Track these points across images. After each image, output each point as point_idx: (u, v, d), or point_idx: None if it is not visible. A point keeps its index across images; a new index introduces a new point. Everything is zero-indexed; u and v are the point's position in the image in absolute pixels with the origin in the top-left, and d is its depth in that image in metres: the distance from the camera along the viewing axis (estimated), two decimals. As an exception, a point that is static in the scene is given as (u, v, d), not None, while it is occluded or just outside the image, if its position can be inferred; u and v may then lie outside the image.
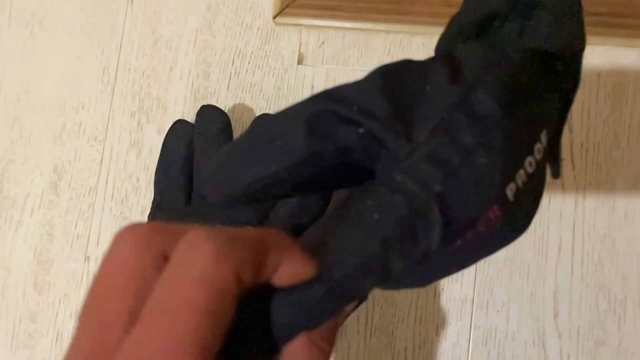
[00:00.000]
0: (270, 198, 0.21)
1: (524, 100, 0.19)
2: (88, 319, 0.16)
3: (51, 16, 0.45)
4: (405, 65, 0.20)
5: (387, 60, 0.41)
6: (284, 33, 0.42)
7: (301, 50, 0.42)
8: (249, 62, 0.43)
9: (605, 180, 0.38)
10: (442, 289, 0.38)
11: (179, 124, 0.40)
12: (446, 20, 0.25)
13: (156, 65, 0.43)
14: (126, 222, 0.41)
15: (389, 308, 0.39)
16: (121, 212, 0.42)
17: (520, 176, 0.19)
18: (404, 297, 0.39)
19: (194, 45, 0.43)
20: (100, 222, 0.42)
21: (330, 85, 0.42)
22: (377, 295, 0.39)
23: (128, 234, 0.16)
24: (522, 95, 0.19)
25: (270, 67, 0.42)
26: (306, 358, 0.18)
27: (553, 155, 0.22)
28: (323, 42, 0.42)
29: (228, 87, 0.42)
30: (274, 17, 0.42)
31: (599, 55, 0.40)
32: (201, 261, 0.15)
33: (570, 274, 0.37)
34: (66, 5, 0.45)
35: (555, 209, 0.38)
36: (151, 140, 0.42)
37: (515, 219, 0.19)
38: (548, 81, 0.20)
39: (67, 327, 0.41)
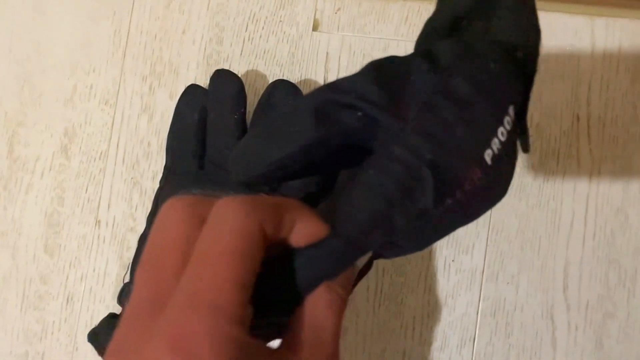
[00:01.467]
0: (282, 179, 0.24)
1: (493, 82, 0.23)
2: (146, 273, 0.19)
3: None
4: (392, 60, 0.24)
5: (405, 28, 0.41)
6: (299, -2, 0.42)
7: (316, 17, 0.42)
8: (262, 28, 0.42)
9: (621, 154, 0.38)
10: (453, 260, 0.39)
11: (192, 89, 0.39)
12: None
13: (169, 28, 0.42)
14: (137, 187, 0.41)
15: (399, 277, 0.39)
16: (132, 177, 0.41)
17: (495, 143, 0.22)
18: (414, 267, 0.39)
19: (207, 8, 0.42)
20: (111, 186, 0.41)
21: (345, 52, 0.41)
22: (387, 265, 0.39)
23: (176, 202, 0.20)
24: (490, 78, 0.23)
25: (284, 33, 0.42)
26: (328, 302, 0.20)
27: (521, 130, 0.27)
28: (339, 9, 0.41)
29: (241, 52, 0.42)
30: (289, -18, 0.41)
31: (620, 28, 0.39)
32: (232, 216, 0.18)
33: (582, 248, 0.38)
34: (76, -36, 0.44)
35: (569, 183, 0.38)
36: (163, 105, 0.42)
37: (495, 181, 0.23)
38: (511, 66, 0.24)
39: (78, 289, 0.41)
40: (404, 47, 0.40)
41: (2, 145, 0.43)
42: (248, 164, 0.24)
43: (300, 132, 0.23)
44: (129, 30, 0.43)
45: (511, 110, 0.23)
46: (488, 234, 0.38)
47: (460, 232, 0.38)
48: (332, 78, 0.41)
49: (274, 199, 0.20)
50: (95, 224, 0.41)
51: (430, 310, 0.38)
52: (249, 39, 0.42)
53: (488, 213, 0.38)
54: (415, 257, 0.39)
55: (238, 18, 0.42)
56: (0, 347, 0.41)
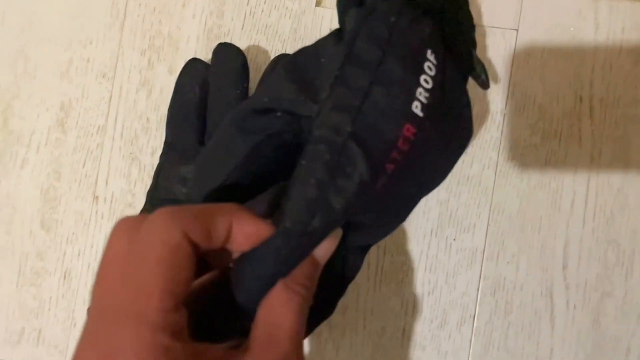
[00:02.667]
0: (241, 199, 0.24)
1: (397, 34, 0.22)
2: (94, 288, 0.20)
3: (56, -56, 0.43)
4: (301, 51, 0.24)
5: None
6: (302, -27, 0.41)
7: (320, -8, 0.41)
8: (265, 2, 0.41)
9: (622, 135, 0.38)
10: (454, 239, 0.39)
11: (193, 63, 0.39)
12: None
13: (168, 1, 0.41)
14: (136, 163, 0.41)
15: (400, 256, 0.39)
16: (130, 153, 0.41)
17: (420, 93, 0.21)
18: (415, 246, 0.39)
19: (208, -19, 0.41)
20: (109, 161, 0.41)
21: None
22: (388, 244, 0.39)
23: (120, 222, 0.20)
24: (392, 31, 0.22)
25: (287, 7, 0.41)
26: (283, 300, 0.20)
27: (467, 69, 0.26)
28: (343, -16, 0.41)
29: (243, 27, 0.41)
30: (293, -44, 0.40)
31: (624, 10, 0.39)
32: (158, 228, 0.19)
33: (582, 227, 0.38)
34: None
35: (571, 163, 0.38)
36: (162, 80, 0.41)
37: (439, 129, 0.22)
38: (414, 13, 0.23)
39: (75, 265, 0.40)
40: (409, 24, 0.40)
41: (-4, 118, 0.42)
42: (197, 193, 0.24)
43: (233, 151, 0.23)
44: (126, 2, 0.42)
45: (430, 54, 0.22)
46: (489, 214, 0.38)
47: (461, 211, 0.39)
48: (335, 55, 0.40)
49: (203, 206, 0.20)
50: (93, 200, 0.41)
51: (431, 288, 0.39)
52: (250, 14, 0.41)
53: (489, 193, 0.38)
54: (416, 237, 0.39)
55: (239, -8, 0.41)
56: (-5, 323, 0.41)
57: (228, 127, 0.24)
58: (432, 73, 0.22)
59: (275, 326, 0.20)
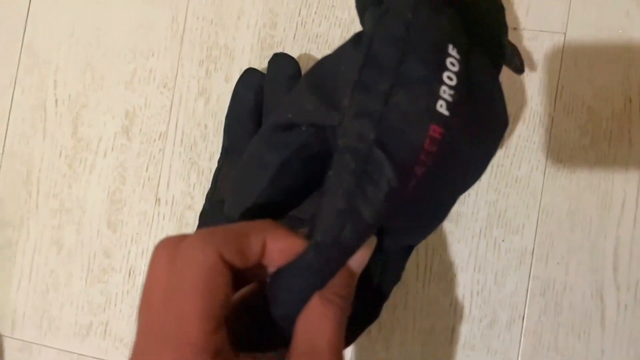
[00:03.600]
0: (278, 214, 0.24)
1: (415, 31, 0.21)
2: (140, 312, 0.20)
3: (121, -36, 0.46)
4: (322, 61, 0.24)
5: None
6: (351, -17, 0.43)
7: (368, 1, 0.42)
8: (315, 12, 0.43)
9: (674, 136, 0.38)
10: (503, 240, 0.39)
11: (249, 72, 0.41)
12: None
13: (224, 13, 0.44)
14: (195, 167, 0.43)
15: (448, 256, 0.40)
16: (190, 158, 0.43)
17: (445, 91, 0.20)
18: (464, 246, 0.40)
19: (261, -6, 0.44)
20: (170, 166, 0.43)
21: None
22: (436, 244, 0.40)
23: (158, 244, 0.21)
24: (409, 28, 0.21)
25: (336, 17, 0.43)
26: (322, 314, 0.20)
27: (497, 56, 0.25)
28: None
29: (294, 36, 0.43)
30: (342, -33, 0.42)
31: (675, 10, 0.39)
32: (192, 251, 0.19)
33: (632, 228, 0.38)
34: (135, -48, 0.46)
35: (621, 164, 0.38)
36: (219, 88, 0.43)
37: (469, 124, 0.21)
38: (431, 6, 0.22)
39: (139, 263, 0.43)
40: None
41: (67, 126, 0.45)
42: (235, 211, 0.24)
43: (262, 169, 0.23)
44: (185, 16, 0.44)
45: (452, 49, 0.21)
46: (538, 215, 0.39)
47: (510, 212, 0.39)
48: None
49: (237, 226, 0.21)
50: (155, 202, 0.43)
51: (480, 288, 0.39)
52: (301, 24, 0.43)
53: (538, 195, 0.39)
54: (464, 238, 0.40)
55: (291, 3, 0.43)
56: (66, 317, 0.44)
57: (257, 144, 0.24)
58: (456, 69, 0.21)
59: (314, 338, 0.20)
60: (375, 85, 0.21)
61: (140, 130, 0.44)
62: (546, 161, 0.39)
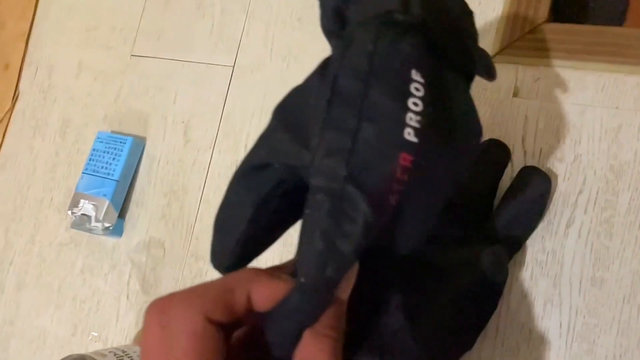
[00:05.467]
0: (258, 252, 0.25)
1: (376, 62, 0.21)
2: None
3: (304, 52, 0.57)
4: (290, 94, 0.24)
5: (601, 95, 0.46)
6: (501, 69, 0.49)
7: (517, 85, 0.49)
8: (467, 94, 0.50)
9: None
10: (647, 307, 0.42)
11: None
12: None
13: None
14: None
15: (592, 319, 0.43)
16: None
17: (412, 118, 0.20)
18: (607, 310, 0.42)
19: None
20: None
21: (543, 116, 0.47)
22: (580, 306, 0.43)
23: (149, 306, 0.21)
24: (371, 60, 0.21)
25: (487, 98, 0.49)
26: (317, 351, 0.21)
27: (466, 67, 0.24)
28: (538, 78, 0.48)
29: (448, 114, 0.50)
30: (493, 56, 0.49)
31: None
32: (178, 318, 0.20)
33: None
34: (316, 43, 0.56)
35: None
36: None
37: (441, 148, 0.21)
38: (392, 32, 0.22)
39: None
40: (600, 113, 0.45)
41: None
42: (218, 260, 0.24)
43: (240, 210, 0.23)
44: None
45: (415, 74, 0.21)
46: (684, 286, 0.41)
47: (655, 282, 0.42)
48: (529, 139, 0.47)
49: (220, 282, 0.21)
50: None
51: (623, 351, 0.42)
52: (455, 103, 0.50)
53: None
54: (608, 302, 0.42)
55: (446, 86, 0.51)
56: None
57: (233, 186, 0.24)
58: (421, 93, 0.21)
59: None
60: (343, 122, 0.20)
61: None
62: (693, 235, 0.41)
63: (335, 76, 0.21)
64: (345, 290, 0.22)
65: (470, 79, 0.27)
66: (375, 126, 0.20)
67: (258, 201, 0.23)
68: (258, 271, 0.22)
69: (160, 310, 0.20)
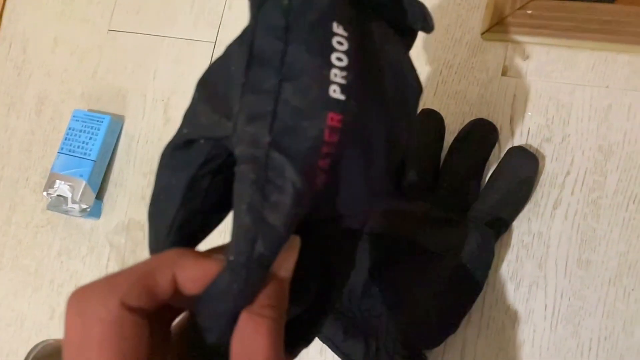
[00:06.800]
0: (199, 234, 0.23)
1: (290, 18, 0.19)
2: None
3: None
4: (212, 64, 0.22)
5: (591, 74, 0.45)
6: (490, 47, 0.48)
7: (506, 63, 0.47)
8: (455, 72, 0.49)
9: None
10: (632, 289, 0.41)
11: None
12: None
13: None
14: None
15: (577, 301, 0.42)
16: None
17: (337, 75, 0.19)
18: (593, 292, 0.42)
19: (408, 56, 0.50)
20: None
21: (532, 95, 0.46)
22: (565, 288, 0.43)
23: (70, 297, 0.20)
24: (283, 16, 0.19)
25: (475, 77, 0.48)
26: (253, 332, 0.19)
27: (397, 19, 0.23)
28: (528, 57, 0.47)
29: (435, 93, 0.49)
30: (482, 34, 0.47)
31: None
32: (92, 306, 0.19)
33: None
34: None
35: None
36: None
37: (372, 105, 0.20)
38: None
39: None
40: (590, 92, 0.44)
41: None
42: (154, 251, 0.23)
43: (172, 191, 0.22)
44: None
45: (336, 27, 0.19)
46: (670, 268, 0.41)
47: (641, 264, 0.41)
48: (517, 118, 0.46)
49: (140, 266, 0.20)
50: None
51: (608, 334, 0.41)
52: (442, 82, 0.49)
53: (670, 248, 0.40)
54: (594, 284, 0.42)
55: (433, 64, 0.49)
56: None
57: (160, 170, 0.22)
58: (344, 47, 0.19)
59: (251, 356, 0.19)
60: (262, 84, 0.19)
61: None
62: (680, 217, 0.41)
63: (252, 36, 0.20)
64: (285, 268, 0.21)
65: (404, 33, 0.25)
66: (297, 86, 0.19)
67: (187, 182, 0.21)
68: (183, 252, 0.20)
69: (78, 298, 0.19)
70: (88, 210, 0.55)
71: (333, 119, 0.19)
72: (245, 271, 0.19)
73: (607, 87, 0.44)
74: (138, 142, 0.58)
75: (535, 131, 0.46)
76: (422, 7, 0.25)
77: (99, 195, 0.57)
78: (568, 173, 0.44)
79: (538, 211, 0.44)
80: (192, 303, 0.20)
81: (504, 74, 0.47)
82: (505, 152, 0.44)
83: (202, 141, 0.21)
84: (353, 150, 0.20)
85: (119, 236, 0.56)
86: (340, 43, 0.19)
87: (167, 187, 0.22)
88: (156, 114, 0.58)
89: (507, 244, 0.44)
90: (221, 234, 0.27)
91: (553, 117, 0.45)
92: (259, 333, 0.19)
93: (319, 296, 0.24)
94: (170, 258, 0.20)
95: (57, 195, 0.54)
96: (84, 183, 0.54)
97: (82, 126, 0.56)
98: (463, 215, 0.42)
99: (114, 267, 0.56)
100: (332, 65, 0.19)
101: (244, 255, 0.19)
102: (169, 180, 0.22)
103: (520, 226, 0.44)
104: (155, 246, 0.23)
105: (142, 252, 0.55)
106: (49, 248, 0.59)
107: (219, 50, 0.57)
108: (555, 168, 0.44)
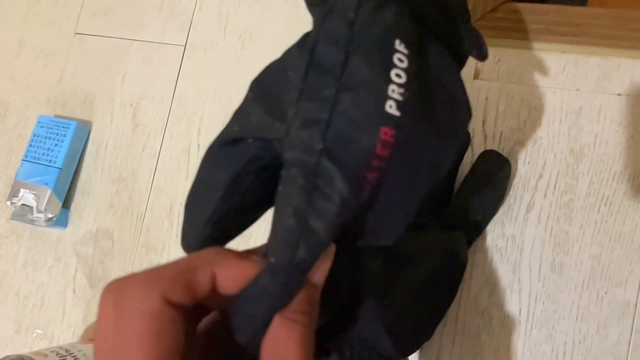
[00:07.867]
0: (232, 232, 0.23)
1: (357, 30, 0.20)
2: None
3: (260, 31, 0.54)
4: (268, 66, 0.23)
5: (562, 77, 0.45)
6: (462, 50, 0.47)
7: (477, 67, 0.47)
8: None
9: None
10: (606, 292, 0.41)
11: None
12: (622, 43, 0.26)
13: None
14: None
15: (551, 305, 0.42)
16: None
17: (394, 90, 0.19)
18: (566, 295, 0.42)
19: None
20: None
21: (503, 98, 0.46)
22: (539, 292, 0.43)
23: (104, 290, 0.20)
24: (352, 28, 0.20)
25: (448, 80, 0.48)
26: (285, 337, 0.20)
27: (454, 44, 0.23)
28: (499, 60, 0.47)
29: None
30: (454, 36, 0.47)
31: None
32: (133, 299, 0.19)
33: None
34: (274, 22, 0.53)
35: None
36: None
37: (425, 125, 0.20)
38: (374, 3, 0.21)
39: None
40: (561, 95, 0.44)
41: (207, 168, 0.52)
42: (187, 242, 0.23)
43: (211, 188, 0.22)
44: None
45: (399, 44, 0.20)
46: (642, 270, 0.41)
47: (614, 266, 0.41)
48: (490, 122, 0.46)
49: (181, 261, 0.20)
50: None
51: (582, 337, 0.41)
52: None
53: (642, 250, 0.41)
54: (567, 287, 0.42)
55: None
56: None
57: (204, 163, 0.23)
58: (404, 65, 0.20)
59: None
60: (321, 92, 0.19)
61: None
62: (650, 219, 0.41)
63: (314, 43, 0.20)
64: (319, 275, 0.21)
65: (459, 58, 0.26)
66: (354, 97, 0.19)
67: (230, 178, 0.21)
68: (224, 251, 0.20)
69: (116, 291, 0.19)
70: (54, 219, 0.53)
71: (387, 133, 0.19)
72: (285, 275, 0.19)
73: (578, 89, 0.44)
74: (106, 148, 0.56)
75: (508, 134, 0.45)
76: (479, 37, 0.25)
77: (66, 204, 0.55)
78: (540, 176, 0.44)
79: (511, 215, 0.44)
80: (224, 303, 0.20)
81: (475, 77, 0.47)
82: (478, 155, 0.44)
83: (250, 140, 0.21)
84: (400, 169, 0.20)
85: (86, 246, 0.54)
86: (400, 60, 0.20)
87: (209, 181, 0.22)
88: (125, 119, 0.57)
89: (481, 249, 0.44)
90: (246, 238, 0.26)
91: (525, 120, 0.45)
92: (292, 338, 0.20)
93: (345, 308, 0.25)
94: (211, 256, 0.20)
95: (22, 204, 0.52)
96: (49, 191, 0.52)
97: (48, 132, 0.55)
98: (435, 219, 0.42)
99: (81, 279, 0.54)
100: (391, 81, 0.19)
101: (285, 259, 0.19)
102: (212, 174, 0.22)
103: (494, 230, 0.44)
104: (188, 237, 0.23)
105: (111, 262, 0.54)
106: (14, 259, 0.57)
107: (190, 53, 0.55)
108: (527, 171, 0.44)
